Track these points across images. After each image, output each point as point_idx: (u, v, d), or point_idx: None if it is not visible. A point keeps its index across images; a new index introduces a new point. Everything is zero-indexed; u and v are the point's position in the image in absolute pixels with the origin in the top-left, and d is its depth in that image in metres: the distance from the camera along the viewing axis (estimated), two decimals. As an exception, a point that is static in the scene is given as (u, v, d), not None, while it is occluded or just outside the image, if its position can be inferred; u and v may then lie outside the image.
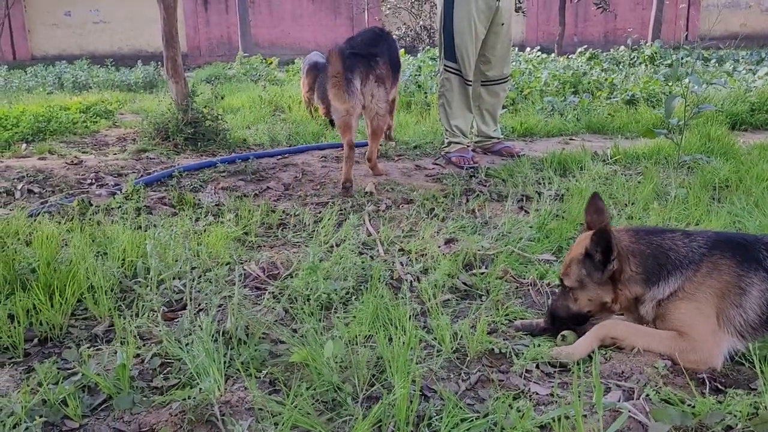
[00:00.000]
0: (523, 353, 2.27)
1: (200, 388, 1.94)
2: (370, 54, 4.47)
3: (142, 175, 4.84)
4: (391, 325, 2.45)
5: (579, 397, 1.83)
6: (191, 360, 2.08)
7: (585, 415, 1.90)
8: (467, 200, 4.29)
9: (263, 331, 2.40)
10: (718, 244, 2.29)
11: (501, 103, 5.61)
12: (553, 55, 15.54)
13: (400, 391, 1.88)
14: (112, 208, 3.89)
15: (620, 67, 11.47)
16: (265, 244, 3.49)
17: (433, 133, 6.31)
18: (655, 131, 4.59)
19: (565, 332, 2.40)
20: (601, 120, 6.93)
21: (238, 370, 2.10)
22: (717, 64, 10.83)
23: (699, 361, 2.15)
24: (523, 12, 20.16)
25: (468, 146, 5.36)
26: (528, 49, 16.18)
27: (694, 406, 1.88)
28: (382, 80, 4.49)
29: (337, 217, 3.85)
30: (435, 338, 2.39)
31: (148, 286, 2.71)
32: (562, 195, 4.22)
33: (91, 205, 3.87)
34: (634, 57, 12.76)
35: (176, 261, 2.90)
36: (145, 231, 3.35)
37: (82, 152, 5.98)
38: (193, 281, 2.73)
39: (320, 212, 3.97)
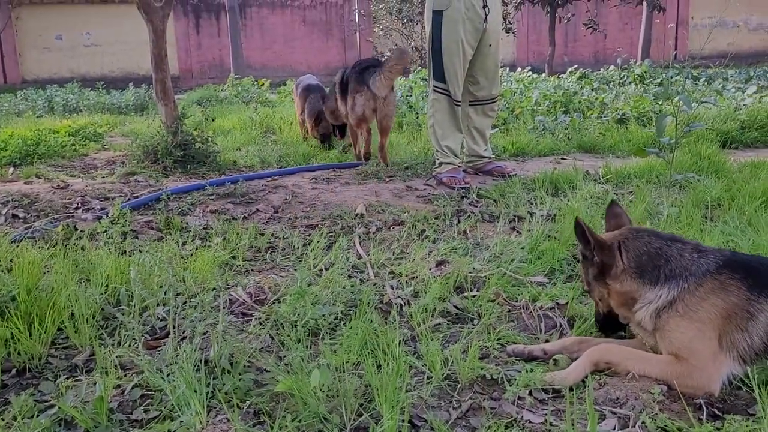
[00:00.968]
0: (515, 379, 2.21)
1: (181, 421, 1.87)
2: None
3: (129, 199, 4.78)
4: (380, 351, 2.39)
5: (573, 425, 1.78)
6: (172, 391, 2.01)
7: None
8: (458, 221, 4.24)
9: (248, 360, 2.33)
10: (730, 264, 2.23)
11: (491, 123, 5.59)
12: (543, 74, 15.63)
13: (388, 422, 1.82)
14: (97, 233, 3.82)
15: (610, 86, 11.52)
16: (253, 268, 3.43)
17: (425, 154, 6.28)
18: (647, 150, 4.57)
19: (557, 356, 2.34)
20: (593, 139, 6.93)
21: (220, 401, 2.03)
22: (706, 83, 10.89)
23: (697, 386, 2.09)
24: (513, 32, 20.30)
25: (459, 166, 5.33)
26: (519, 68, 16.27)
27: (691, 433, 1.83)
28: None
29: (327, 240, 3.80)
30: (425, 364, 2.33)
31: (131, 313, 2.64)
32: (554, 215, 4.18)
33: (76, 229, 3.80)
34: (624, 76, 12.83)
35: (161, 287, 2.83)
36: (130, 256, 3.29)
37: (70, 176, 5.92)
38: (177, 308, 2.67)
39: (310, 235, 3.92)
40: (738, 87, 9.85)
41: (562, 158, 6.37)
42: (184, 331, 2.53)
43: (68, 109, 12.05)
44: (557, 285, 3.05)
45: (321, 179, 5.47)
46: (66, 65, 24.14)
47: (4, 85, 21.42)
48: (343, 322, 2.64)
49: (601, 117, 7.88)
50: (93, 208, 4.59)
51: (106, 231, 3.80)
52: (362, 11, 24.25)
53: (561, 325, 2.69)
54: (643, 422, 1.89)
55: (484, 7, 5.05)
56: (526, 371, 2.26)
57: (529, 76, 14.30)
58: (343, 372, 2.23)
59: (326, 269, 3.26)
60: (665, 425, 1.88)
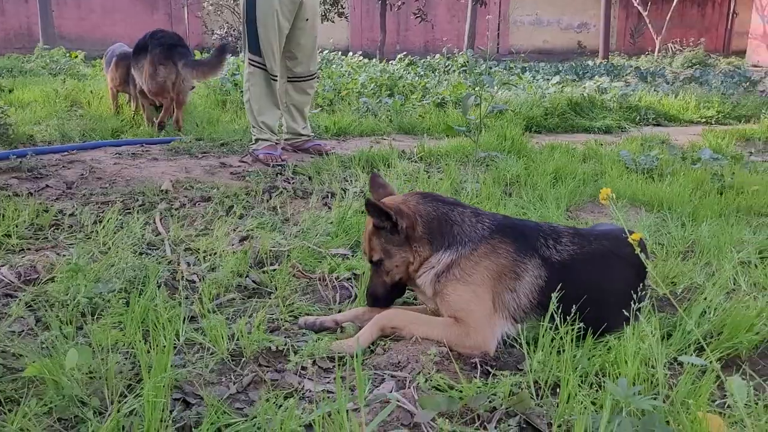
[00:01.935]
0: (302, 349, 2.16)
1: None
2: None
3: None
4: (162, 328, 2.23)
5: (343, 390, 1.76)
6: None
7: (357, 409, 1.83)
8: (270, 197, 4.13)
9: (4, 345, 2.06)
10: (501, 228, 2.35)
11: (309, 101, 5.52)
12: (374, 60, 15.88)
13: (150, 399, 1.68)
14: None
15: (435, 73, 11.96)
16: (31, 246, 3.08)
17: (243, 131, 6.08)
18: (455, 128, 4.75)
19: (345, 324, 2.33)
20: (412, 121, 7.12)
21: (-43, 391, 1.77)
22: (519, 74, 11.66)
23: (473, 346, 2.18)
24: (346, 17, 20.43)
25: (276, 143, 5.21)
26: (350, 53, 16.40)
27: (461, 391, 1.88)
28: None
29: (123, 217, 3.52)
30: (209, 340, 2.21)
31: None
32: (366, 192, 4.21)
33: None
34: (448, 65, 13.38)
35: None
36: None
37: None
38: None
39: (104, 212, 3.60)
40: (546, 78, 10.66)
41: (383, 138, 6.48)
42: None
43: None
44: (357, 256, 3.06)
45: (126, 154, 5.08)
46: None
47: None
48: (123, 301, 2.44)
49: (422, 101, 8.12)
50: None
51: None
52: (192, -15, 23.12)
53: (356, 296, 2.69)
54: (417, 383, 1.91)
55: (300, -21, 4.95)
56: (314, 341, 2.22)
57: (360, 60, 14.45)
58: (115, 352, 2.05)
59: (119, 248, 3.00)
60: (438, 384, 1.92)
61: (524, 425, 1.81)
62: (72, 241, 3.17)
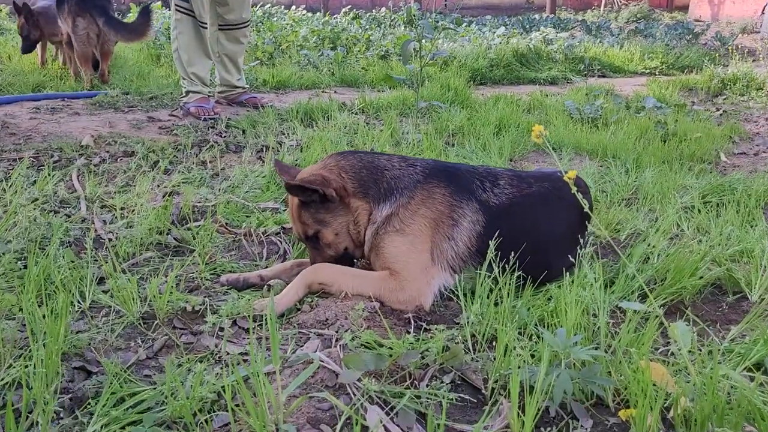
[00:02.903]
0: (222, 309, 1.98)
1: None
2: None
3: None
4: (65, 291, 2.02)
5: (263, 352, 1.59)
6: None
7: (280, 371, 1.67)
8: (200, 152, 3.88)
9: None
10: (435, 172, 2.18)
11: (243, 50, 5.21)
12: (319, 14, 15.39)
13: (41, 370, 1.48)
14: None
15: (381, 27, 11.64)
16: (-77, 208, 2.78)
17: (174, 84, 5.74)
18: (395, 78, 4.55)
19: (272, 281, 2.16)
20: (355, 74, 6.88)
21: None
22: (466, 27, 11.45)
23: (408, 300, 2.03)
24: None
25: (209, 96, 4.91)
26: (293, 7, 15.85)
27: (392, 348, 1.74)
28: None
29: (36, 174, 3.23)
30: (118, 303, 2.00)
31: None
32: (303, 145, 3.99)
33: None
34: (394, 19, 13.04)
35: None
36: None
37: None
38: None
39: (14, 168, 3.30)
40: (492, 31, 10.47)
41: (323, 91, 6.22)
42: None
43: None
44: (287, 209, 2.87)
45: (45, 109, 4.72)
46: None
47: None
48: (21, 262, 2.20)
49: (365, 53, 7.86)
50: None
51: None
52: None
53: (285, 251, 2.51)
54: (344, 342, 1.76)
55: None
56: (236, 300, 2.04)
57: (303, 14, 13.98)
58: (11, 318, 1.83)
59: (23, 206, 2.74)
60: (367, 342, 1.77)
61: (459, 382, 1.68)
62: (-27, 200, 2.88)
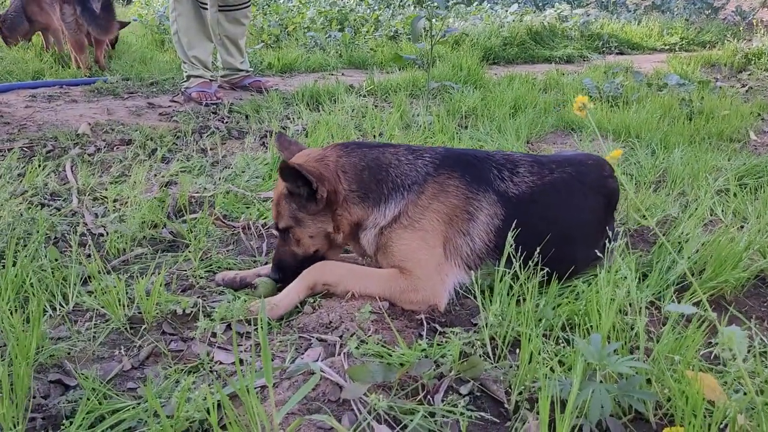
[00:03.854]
0: (216, 312, 1.80)
1: None
2: None
3: None
4: (46, 293, 1.85)
5: (249, 363, 1.41)
6: None
7: (275, 384, 1.49)
8: (201, 139, 3.70)
9: None
10: (447, 161, 1.97)
11: (244, 32, 5.00)
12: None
13: (6, 385, 1.32)
14: None
15: (390, 7, 11.34)
16: None
17: (177, 69, 5.54)
18: (404, 56, 4.33)
19: (257, 280, 1.97)
20: (363, 55, 6.65)
21: None
22: (477, 5, 11.13)
23: (422, 300, 1.84)
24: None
25: (211, 80, 4.71)
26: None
27: (403, 355, 1.55)
28: None
29: (28, 165, 3.07)
30: (103, 306, 1.83)
31: None
32: (309, 130, 3.80)
33: None
34: (404, -3, 12.73)
35: None
36: None
37: None
38: None
39: (3, 159, 3.14)
40: (505, 8, 10.16)
41: (331, 74, 6.00)
42: None
43: None
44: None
45: (42, 97, 4.55)
46: None
47: None
48: (2, 261, 2.03)
49: (374, 34, 7.62)
50: None
51: None
52: None
53: (287, 245, 2.33)
54: (348, 350, 1.57)
55: None
56: (231, 302, 1.86)
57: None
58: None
59: (6, 200, 2.57)
60: (375, 350, 1.58)
61: (478, 393, 1.50)
62: (-43, 193, 2.72)
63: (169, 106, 4.49)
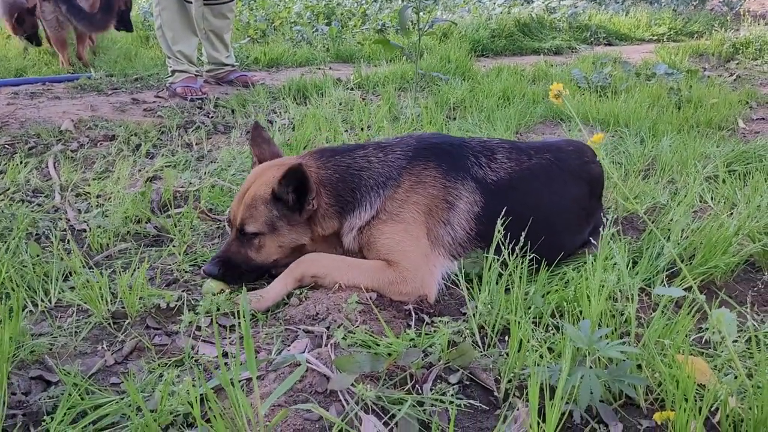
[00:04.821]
0: (201, 305, 1.77)
1: None
2: None
3: None
4: (26, 289, 1.82)
5: (233, 356, 1.39)
6: None
7: (260, 376, 1.47)
8: (186, 133, 3.66)
9: None
10: (421, 153, 1.93)
11: (230, 26, 4.95)
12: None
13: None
14: None
15: (377, 1, 11.30)
16: None
17: (161, 65, 5.49)
18: (391, 42, 4.28)
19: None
20: (351, 49, 6.60)
21: None
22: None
23: (411, 292, 1.81)
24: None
25: (197, 75, 4.66)
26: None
27: (391, 345, 1.53)
28: None
29: (8, 162, 3.02)
30: (84, 300, 1.80)
31: None
32: (295, 124, 3.76)
33: None
34: (391, -8, 12.69)
35: None
36: None
37: None
38: None
39: (-16, 157, 3.09)
40: (493, 0, 10.13)
41: (318, 68, 5.96)
42: None
43: None
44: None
45: (24, 94, 4.49)
46: None
47: None
48: (-20, 259, 1.99)
49: (361, 27, 7.58)
50: None
51: None
52: None
53: (274, 237, 2.30)
54: (335, 340, 1.54)
55: None
56: (216, 294, 1.83)
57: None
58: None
59: (-9, 195, 2.53)
60: (362, 340, 1.56)
61: (467, 382, 1.47)
62: (-62, 192, 2.67)
63: (154, 102, 4.44)
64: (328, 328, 1.63)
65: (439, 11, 7.20)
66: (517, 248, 1.72)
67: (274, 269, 1.93)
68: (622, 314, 1.60)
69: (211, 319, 1.71)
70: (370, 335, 1.56)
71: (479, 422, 1.36)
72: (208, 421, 1.28)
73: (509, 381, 1.43)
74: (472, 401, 1.39)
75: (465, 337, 1.58)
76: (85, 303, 1.79)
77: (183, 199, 2.65)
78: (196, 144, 3.47)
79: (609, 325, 1.53)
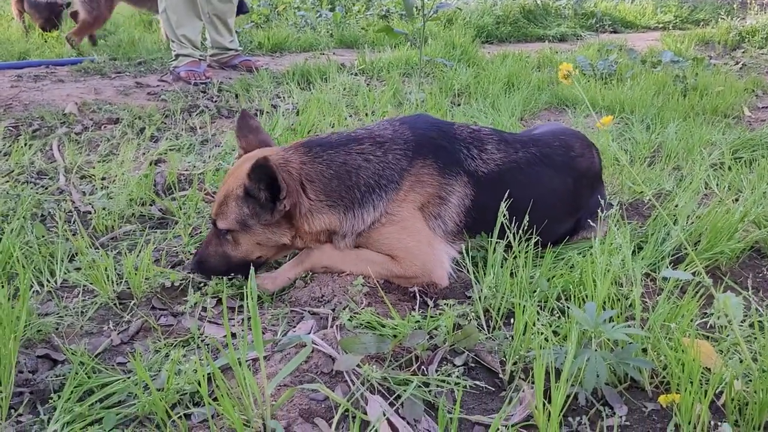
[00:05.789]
0: (207, 286, 1.78)
1: None
2: None
3: None
4: (34, 270, 1.82)
5: (241, 336, 1.39)
6: None
7: (266, 357, 1.47)
8: (190, 117, 3.65)
9: None
10: (419, 150, 1.88)
11: (234, 9, 4.91)
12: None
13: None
14: None
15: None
16: None
17: (165, 49, 5.47)
18: (395, 30, 4.27)
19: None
20: (355, 34, 6.57)
21: None
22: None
23: (421, 283, 1.82)
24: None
25: (200, 59, 4.64)
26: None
27: (396, 327, 1.53)
28: None
29: (12, 144, 3.01)
30: (90, 281, 1.80)
31: None
32: (300, 109, 3.75)
33: None
34: (396, -22, 12.62)
35: None
36: None
37: None
38: None
39: (-12, 138, 3.09)
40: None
41: (322, 53, 5.93)
42: None
43: None
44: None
45: (28, 77, 4.47)
46: None
47: None
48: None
49: (366, 13, 7.54)
50: None
51: None
52: None
53: (279, 220, 2.30)
54: (341, 322, 1.55)
55: None
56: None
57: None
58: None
59: (-3, 177, 2.53)
60: (368, 321, 1.56)
61: (473, 364, 1.48)
62: (-58, 172, 2.67)
63: (158, 86, 4.42)
64: (333, 309, 1.63)
65: (444, -3, 7.13)
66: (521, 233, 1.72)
67: (268, 263, 1.90)
68: (626, 299, 1.60)
69: (218, 299, 1.71)
70: (376, 317, 1.57)
71: (484, 403, 1.37)
72: (215, 399, 1.29)
73: (514, 363, 1.44)
74: (477, 382, 1.39)
75: (470, 319, 1.59)
76: (91, 283, 1.79)
77: (187, 182, 2.65)
78: (200, 128, 3.46)
79: (614, 309, 1.54)
